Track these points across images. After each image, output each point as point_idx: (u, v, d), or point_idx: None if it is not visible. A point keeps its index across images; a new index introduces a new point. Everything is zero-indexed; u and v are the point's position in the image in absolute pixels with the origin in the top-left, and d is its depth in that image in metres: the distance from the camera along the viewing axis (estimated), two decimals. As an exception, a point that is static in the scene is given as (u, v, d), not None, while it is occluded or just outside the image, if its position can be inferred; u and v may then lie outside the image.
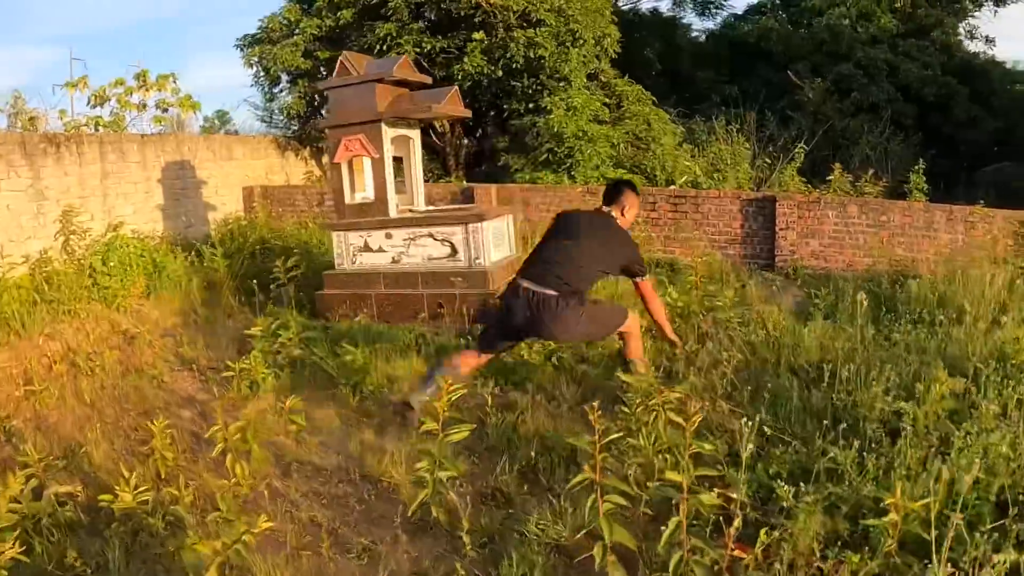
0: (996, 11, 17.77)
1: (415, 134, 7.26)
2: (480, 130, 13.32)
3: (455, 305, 6.32)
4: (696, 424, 2.54)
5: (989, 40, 18.47)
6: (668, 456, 3.42)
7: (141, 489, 3.28)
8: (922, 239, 9.36)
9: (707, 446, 2.66)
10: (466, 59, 10.07)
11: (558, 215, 4.48)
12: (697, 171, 11.42)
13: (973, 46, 17.64)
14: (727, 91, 15.84)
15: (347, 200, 6.83)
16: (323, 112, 12.01)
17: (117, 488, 3.26)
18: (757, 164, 12.20)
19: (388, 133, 6.61)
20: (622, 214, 4.34)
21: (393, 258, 6.71)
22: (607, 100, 11.99)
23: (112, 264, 7.01)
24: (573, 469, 3.69)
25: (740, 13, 19.92)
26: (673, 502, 2.74)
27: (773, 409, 4.20)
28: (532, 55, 10.12)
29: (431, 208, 7.44)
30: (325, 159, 12.40)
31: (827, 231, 9.50)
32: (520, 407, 4.48)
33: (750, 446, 3.02)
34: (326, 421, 4.46)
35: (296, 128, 11.68)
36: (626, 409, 3.77)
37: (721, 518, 2.85)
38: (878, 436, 3.66)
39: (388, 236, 6.70)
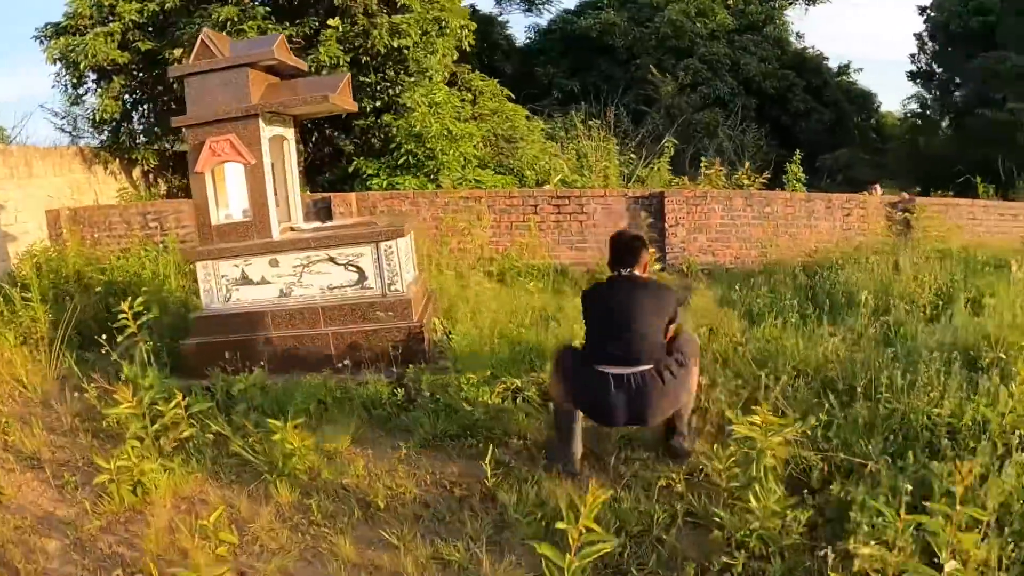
0: (807, 9, 19.21)
1: (290, 134, 5.89)
2: (317, 133, 11.83)
3: (373, 344, 5.09)
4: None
5: (799, 36, 19.95)
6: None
7: None
8: (803, 228, 9.42)
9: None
10: (320, 48, 8.66)
11: (586, 295, 3.89)
12: (566, 169, 10.86)
13: (796, 42, 18.89)
14: (567, 86, 15.56)
15: (214, 220, 5.34)
16: (135, 116, 10.00)
17: None
18: (621, 160, 11.91)
19: (265, 132, 5.23)
20: (644, 270, 3.87)
21: (282, 291, 5.31)
22: (464, 97, 11.10)
23: None
24: (674, 553, 2.73)
25: (573, 8, 19.81)
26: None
27: (826, 430, 3.55)
28: (395, 44, 8.95)
29: (322, 224, 6.11)
30: (137, 172, 10.37)
31: (714, 225, 9.26)
32: (522, 473, 3.45)
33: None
34: (269, 532, 3.12)
35: (107, 138, 9.53)
36: (717, 464, 2.91)
37: None
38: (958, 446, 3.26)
39: (274, 263, 5.29)
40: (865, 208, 9.39)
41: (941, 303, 5.89)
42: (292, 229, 5.78)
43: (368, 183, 10.10)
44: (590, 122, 12.07)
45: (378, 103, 10.02)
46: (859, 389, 3.90)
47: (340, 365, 4.92)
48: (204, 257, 5.29)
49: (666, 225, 9.15)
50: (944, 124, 14.32)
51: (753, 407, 3.04)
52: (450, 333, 5.44)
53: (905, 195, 9.71)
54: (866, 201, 9.41)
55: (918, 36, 18.48)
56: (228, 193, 5.51)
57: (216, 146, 5.08)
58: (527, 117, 11.97)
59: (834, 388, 4.09)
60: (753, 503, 2.62)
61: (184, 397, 4.04)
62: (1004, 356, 4.17)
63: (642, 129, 13.19)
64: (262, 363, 4.84)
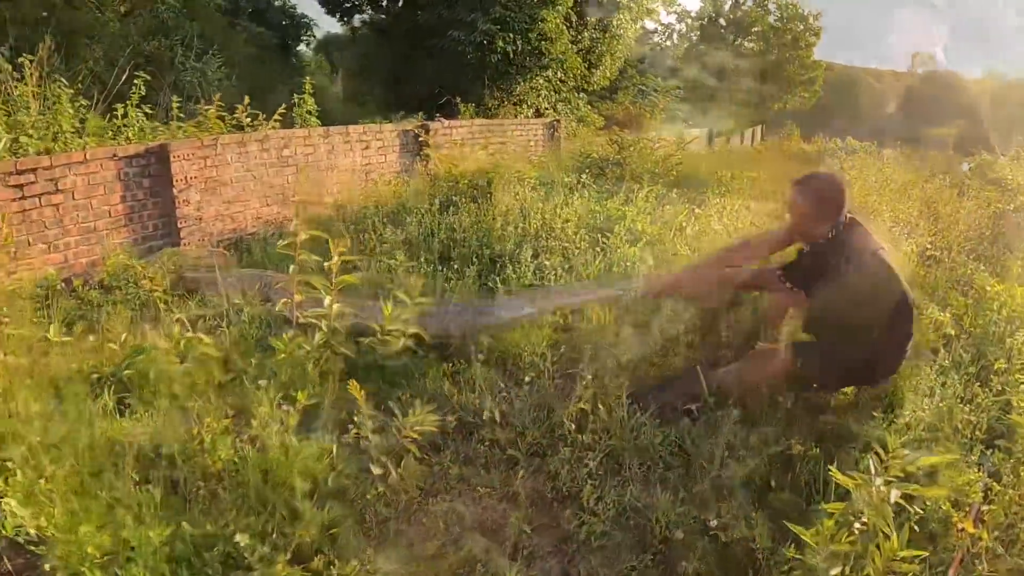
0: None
1: None
2: None
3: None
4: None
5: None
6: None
7: None
8: (327, 169, 8.87)
9: None
10: None
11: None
12: (26, 126, 7.98)
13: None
14: None
15: None
16: None
17: None
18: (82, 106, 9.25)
19: None
20: None
21: None
22: None
23: None
24: None
25: None
26: None
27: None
28: None
29: None
30: None
31: (229, 181, 7.98)
32: None
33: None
34: None
35: None
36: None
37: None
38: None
39: None
40: (383, 138, 9.25)
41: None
42: None
43: None
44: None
45: None
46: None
47: None
48: None
49: (176, 191, 7.42)
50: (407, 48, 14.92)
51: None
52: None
53: (412, 120, 9.86)
54: (382, 131, 9.25)
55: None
56: None
57: None
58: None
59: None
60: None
61: None
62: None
63: (80, 64, 10.47)
64: None
